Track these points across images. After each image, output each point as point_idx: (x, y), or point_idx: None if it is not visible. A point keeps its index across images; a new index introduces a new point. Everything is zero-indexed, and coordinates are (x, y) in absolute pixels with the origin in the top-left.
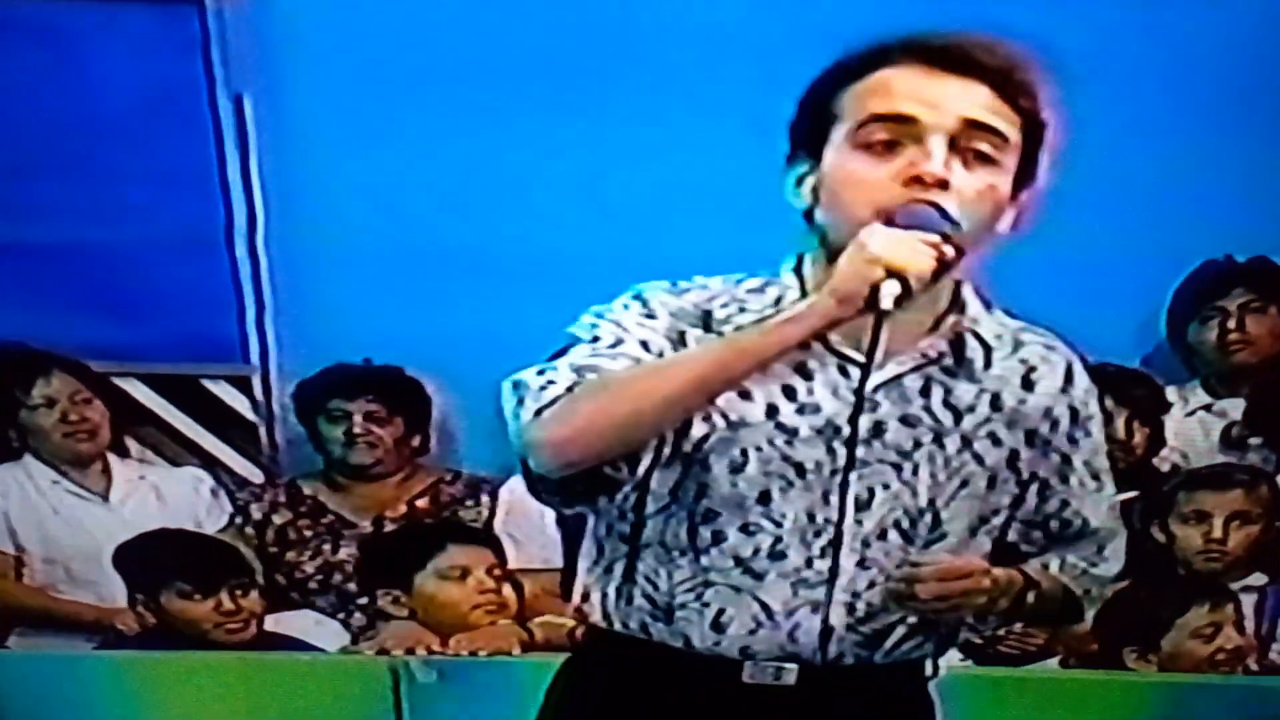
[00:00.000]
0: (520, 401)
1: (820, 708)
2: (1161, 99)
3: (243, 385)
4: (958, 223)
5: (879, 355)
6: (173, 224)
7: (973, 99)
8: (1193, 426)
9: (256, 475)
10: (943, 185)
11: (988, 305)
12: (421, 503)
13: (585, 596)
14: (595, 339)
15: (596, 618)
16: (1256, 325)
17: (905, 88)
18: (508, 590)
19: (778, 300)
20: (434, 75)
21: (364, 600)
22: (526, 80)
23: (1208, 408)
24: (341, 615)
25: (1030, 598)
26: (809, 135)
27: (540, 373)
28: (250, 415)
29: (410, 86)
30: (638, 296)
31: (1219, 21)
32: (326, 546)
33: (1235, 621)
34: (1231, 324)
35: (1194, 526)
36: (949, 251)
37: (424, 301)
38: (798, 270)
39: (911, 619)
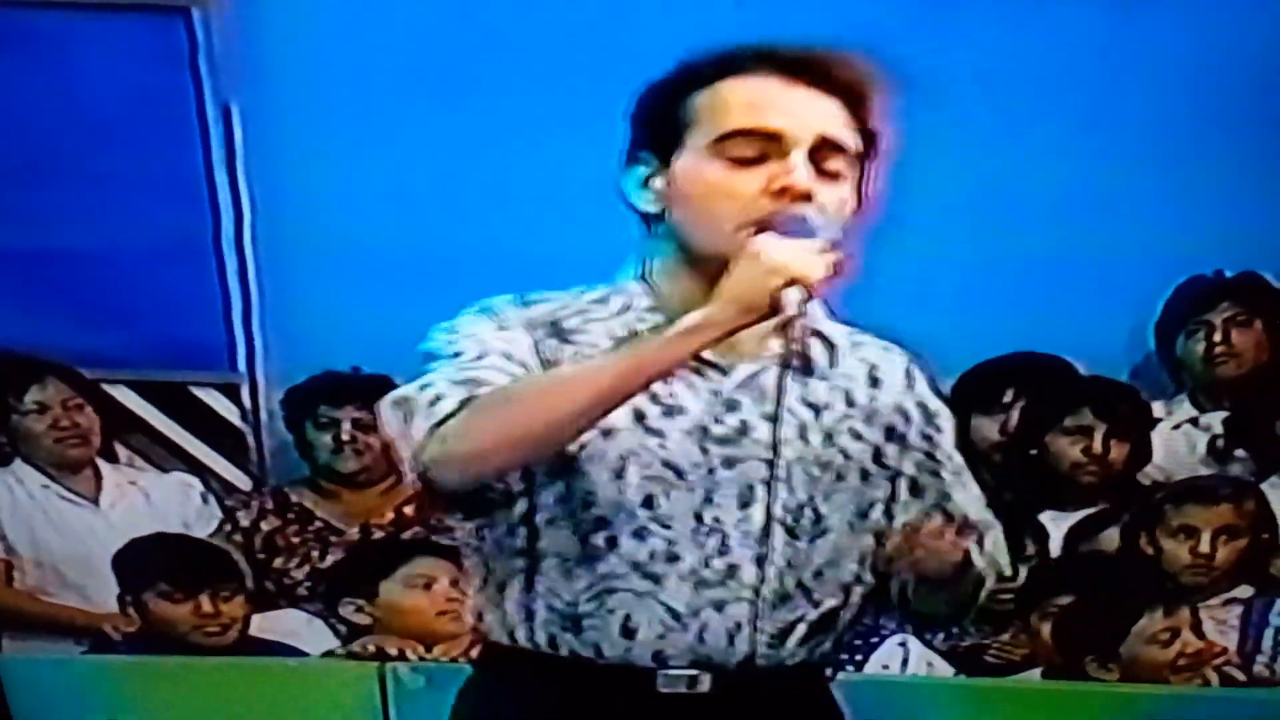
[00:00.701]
0: (407, 419)
1: (735, 715)
2: (1157, 113)
3: (231, 393)
4: (822, 235)
5: (791, 357)
6: (161, 232)
7: (827, 114)
8: (1178, 439)
9: (244, 482)
10: (808, 198)
11: (826, 309)
12: (409, 510)
13: (479, 617)
14: (457, 354)
15: (497, 636)
16: (1241, 339)
17: (767, 100)
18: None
19: (625, 308)
20: (422, 83)
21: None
22: (518, 86)
23: (1193, 421)
24: (331, 622)
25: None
26: (654, 137)
27: (422, 388)
28: (238, 422)
29: (398, 94)
30: (485, 310)
31: (1216, 38)
32: (314, 553)
33: (1193, 625)
34: (1217, 337)
35: (1182, 541)
36: (838, 257)
37: (411, 309)
38: (644, 277)
39: (812, 616)
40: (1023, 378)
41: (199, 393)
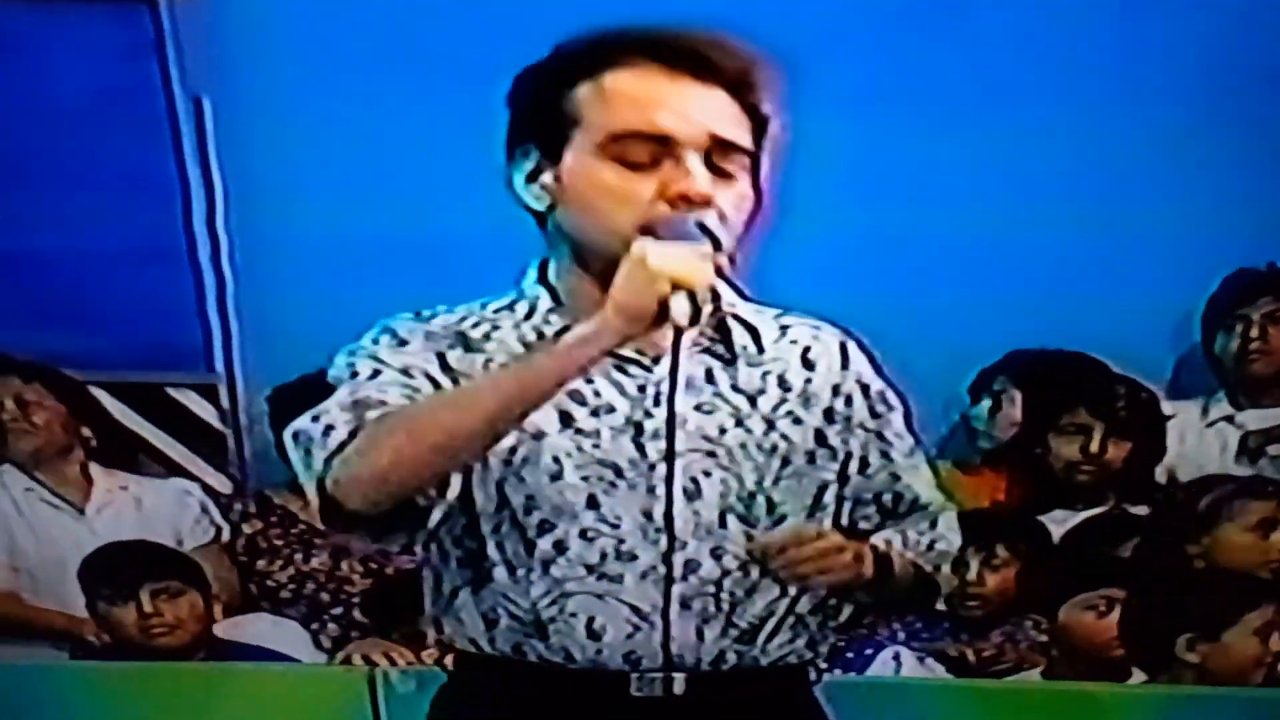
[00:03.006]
0: (308, 452)
1: (711, 718)
2: (1211, 104)
3: (209, 394)
4: (718, 239)
5: (678, 359)
6: (133, 230)
7: (716, 108)
8: (1210, 437)
9: (223, 484)
10: (707, 203)
11: (742, 294)
12: None
13: (439, 627)
14: (354, 375)
15: (462, 645)
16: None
17: (654, 98)
18: None
19: (530, 312)
20: (396, 73)
21: (337, 610)
22: (494, 73)
23: (1229, 419)
24: (314, 626)
25: (889, 569)
26: (538, 130)
27: (315, 419)
28: (216, 424)
29: (372, 85)
30: (385, 329)
31: (1270, 20)
32: (298, 556)
33: None
34: (1254, 332)
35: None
36: (724, 261)
37: (390, 304)
38: (543, 279)
39: (779, 611)
40: (1029, 374)
41: (175, 394)
